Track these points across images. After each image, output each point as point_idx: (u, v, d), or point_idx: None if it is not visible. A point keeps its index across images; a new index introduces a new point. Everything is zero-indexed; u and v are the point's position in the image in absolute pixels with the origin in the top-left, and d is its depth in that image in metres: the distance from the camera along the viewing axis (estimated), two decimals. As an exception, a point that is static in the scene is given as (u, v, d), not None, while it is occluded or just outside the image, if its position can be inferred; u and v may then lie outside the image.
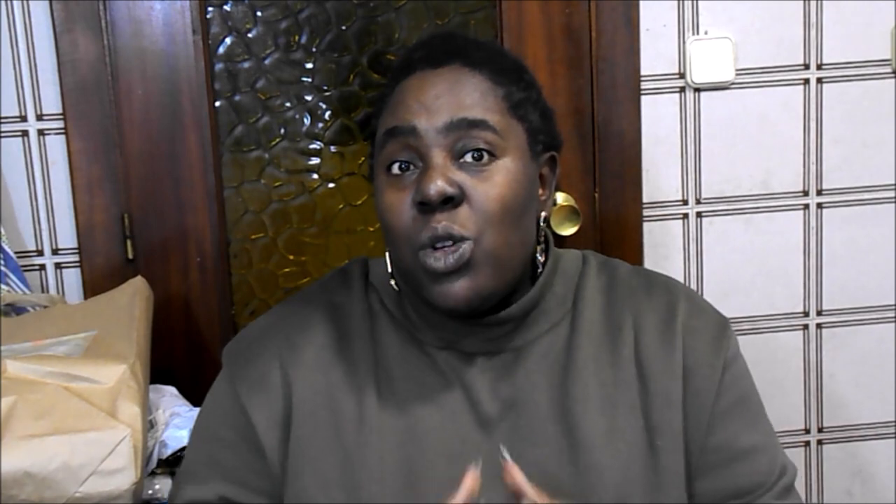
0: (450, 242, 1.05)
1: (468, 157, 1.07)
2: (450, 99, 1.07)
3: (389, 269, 1.17)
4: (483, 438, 1.11)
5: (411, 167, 1.08)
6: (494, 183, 1.07)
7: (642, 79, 1.91)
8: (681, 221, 1.97)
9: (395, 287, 1.17)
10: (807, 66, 1.93)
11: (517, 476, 0.99)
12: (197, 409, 1.52)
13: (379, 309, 1.18)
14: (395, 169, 1.09)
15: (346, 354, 1.15)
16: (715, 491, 1.15)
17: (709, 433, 1.14)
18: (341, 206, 1.95)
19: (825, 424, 2.04)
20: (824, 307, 2.01)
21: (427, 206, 1.05)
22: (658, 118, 1.92)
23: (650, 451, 1.12)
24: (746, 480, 1.15)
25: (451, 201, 1.05)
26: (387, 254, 1.18)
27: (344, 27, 1.91)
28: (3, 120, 1.81)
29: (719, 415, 1.15)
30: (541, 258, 1.15)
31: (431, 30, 1.91)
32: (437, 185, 1.04)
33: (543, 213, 1.16)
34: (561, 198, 1.90)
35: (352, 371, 1.14)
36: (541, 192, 1.15)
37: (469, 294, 1.07)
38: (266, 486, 1.14)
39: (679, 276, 1.97)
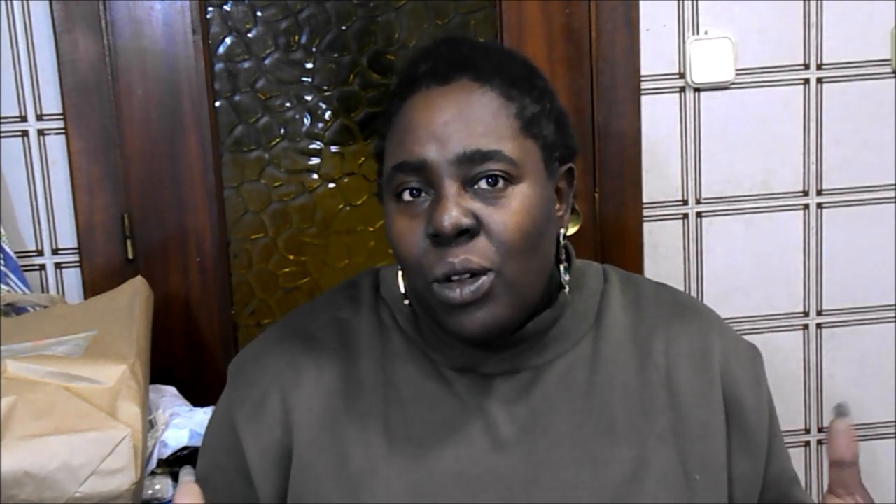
0: (468, 275, 1.00)
1: (483, 184, 1.01)
2: (460, 126, 1.01)
3: (403, 290, 1.12)
4: (498, 463, 1.06)
5: (423, 194, 1.02)
6: (511, 210, 1.01)
7: (642, 79, 1.91)
8: (681, 221, 1.97)
9: (409, 306, 1.12)
10: (807, 66, 1.93)
11: None
12: (197, 409, 1.52)
13: (391, 325, 1.12)
14: (406, 196, 1.03)
15: (352, 375, 1.10)
16: None
17: (768, 467, 1.12)
18: (341, 206, 1.95)
19: (825, 424, 2.04)
20: (824, 307, 2.02)
21: (441, 239, 1.00)
22: (658, 118, 1.92)
23: (685, 484, 1.07)
24: None
25: (466, 233, 1.00)
26: (399, 271, 1.12)
27: (344, 27, 1.91)
28: (3, 120, 1.81)
29: (772, 446, 1.13)
30: (566, 277, 1.10)
31: (431, 30, 1.91)
32: (452, 217, 0.99)
33: (562, 230, 1.10)
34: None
35: (358, 394, 1.09)
36: (557, 206, 1.09)
37: (487, 325, 1.02)
38: None
39: (679, 276, 1.97)
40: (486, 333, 1.03)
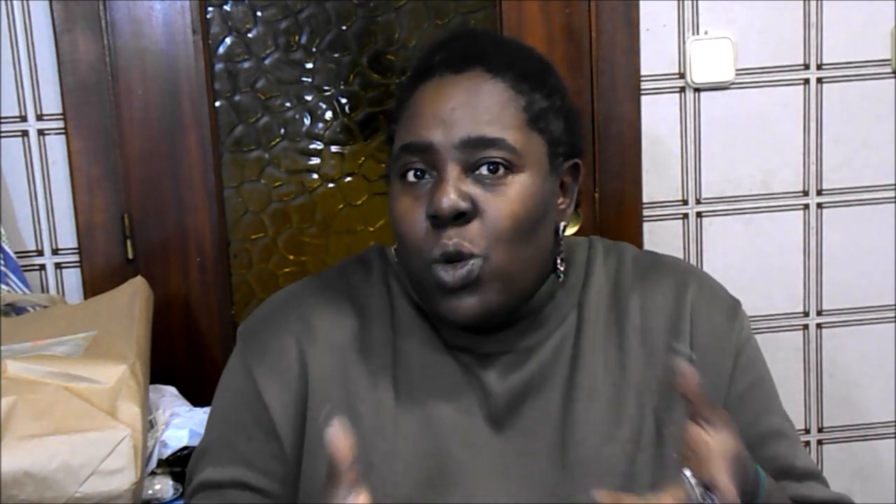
0: (459, 259, 1.04)
1: (483, 170, 1.05)
2: (467, 112, 1.05)
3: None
4: (492, 433, 1.10)
5: (426, 176, 1.06)
6: (508, 199, 1.05)
7: (642, 79, 1.91)
8: (681, 221, 1.97)
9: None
10: (807, 66, 1.93)
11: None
12: (197, 409, 1.52)
13: (399, 293, 1.16)
14: (411, 176, 1.07)
15: (364, 337, 1.14)
16: None
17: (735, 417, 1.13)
18: (341, 206, 1.95)
19: (825, 424, 2.04)
20: (824, 307, 2.01)
21: (439, 220, 1.04)
22: (658, 118, 1.92)
23: (657, 438, 1.11)
24: (768, 466, 1.13)
25: (462, 216, 1.04)
26: (393, 249, 1.16)
27: (344, 27, 1.91)
28: (3, 120, 1.81)
29: (736, 399, 1.14)
30: (561, 268, 1.14)
31: (431, 30, 1.92)
32: (450, 200, 1.03)
33: (563, 223, 1.13)
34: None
35: (369, 353, 1.13)
36: (560, 200, 1.13)
37: (476, 311, 1.06)
38: (279, 470, 1.13)
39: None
40: (476, 319, 1.06)
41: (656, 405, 1.12)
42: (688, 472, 0.91)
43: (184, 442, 1.45)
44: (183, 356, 1.89)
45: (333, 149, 1.94)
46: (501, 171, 1.05)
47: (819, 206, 1.98)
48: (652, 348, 1.13)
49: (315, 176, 1.94)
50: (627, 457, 1.10)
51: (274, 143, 1.93)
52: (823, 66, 1.93)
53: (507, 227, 1.05)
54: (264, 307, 1.19)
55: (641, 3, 1.88)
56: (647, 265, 1.18)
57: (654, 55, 1.91)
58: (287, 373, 1.12)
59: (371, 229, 1.96)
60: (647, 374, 1.12)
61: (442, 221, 1.04)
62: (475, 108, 1.05)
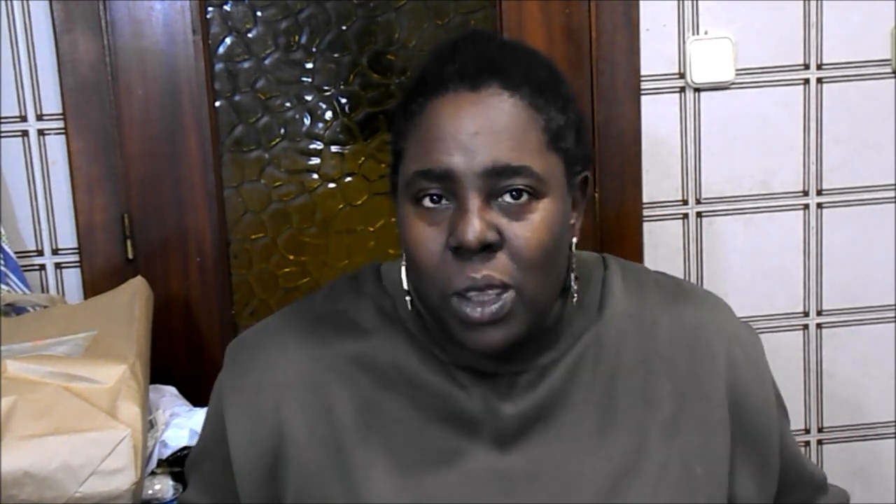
0: (489, 292, 0.99)
1: (507, 198, 0.99)
2: (489, 138, 0.99)
3: (406, 286, 1.08)
4: (501, 457, 1.06)
5: (443, 200, 1.00)
6: (534, 226, 0.99)
7: (642, 79, 1.91)
8: (681, 221, 1.97)
9: (410, 306, 1.09)
10: (807, 66, 1.93)
11: None
12: (197, 409, 1.52)
13: (394, 318, 1.10)
14: (427, 202, 1.00)
15: (349, 368, 1.09)
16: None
17: (782, 452, 1.13)
18: (341, 206, 1.95)
19: (825, 424, 2.04)
20: (824, 307, 2.01)
21: (463, 252, 0.98)
22: (658, 118, 1.92)
23: (685, 476, 1.06)
24: (809, 489, 1.17)
25: (489, 247, 0.98)
26: (403, 268, 1.09)
27: (344, 27, 1.91)
28: (3, 120, 1.81)
29: (782, 429, 1.14)
30: (574, 286, 1.09)
31: (431, 30, 1.92)
32: (477, 232, 0.97)
33: (574, 239, 1.09)
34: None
35: (355, 385, 1.08)
36: (572, 215, 1.07)
37: (503, 342, 1.01)
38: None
39: (679, 277, 1.96)
40: (501, 350, 1.02)
41: (684, 445, 1.07)
42: None
43: (184, 442, 1.45)
44: (183, 356, 1.89)
45: (333, 149, 1.94)
46: (525, 197, 0.99)
47: (819, 206, 1.98)
48: (679, 382, 1.09)
49: (315, 176, 1.94)
50: (649, 495, 1.05)
51: (274, 143, 1.93)
52: (823, 66, 1.93)
53: (535, 257, 0.99)
54: (252, 333, 1.14)
55: (641, 3, 1.88)
56: (670, 291, 1.14)
57: (654, 55, 1.91)
58: (258, 414, 1.08)
59: (371, 229, 1.96)
60: (675, 410, 1.08)
61: (466, 253, 0.98)
62: (497, 133, 0.99)
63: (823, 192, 1.97)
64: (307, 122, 1.93)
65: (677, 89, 1.92)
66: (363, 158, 1.94)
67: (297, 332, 1.11)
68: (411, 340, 1.09)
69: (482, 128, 0.99)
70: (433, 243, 1.00)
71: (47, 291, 1.86)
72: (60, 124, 1.82)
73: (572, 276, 1.08)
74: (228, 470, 1.09)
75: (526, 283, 1.00)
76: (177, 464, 1.45)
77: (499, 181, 0.99)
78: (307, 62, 1.91)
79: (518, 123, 1.00)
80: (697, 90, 1.92)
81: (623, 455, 1.05)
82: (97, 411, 1.26)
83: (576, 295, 1.08)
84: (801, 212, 1.98)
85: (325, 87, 1.92)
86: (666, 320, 1.11)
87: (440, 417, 1.06)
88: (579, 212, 1.09)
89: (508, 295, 0.99)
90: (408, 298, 1.08)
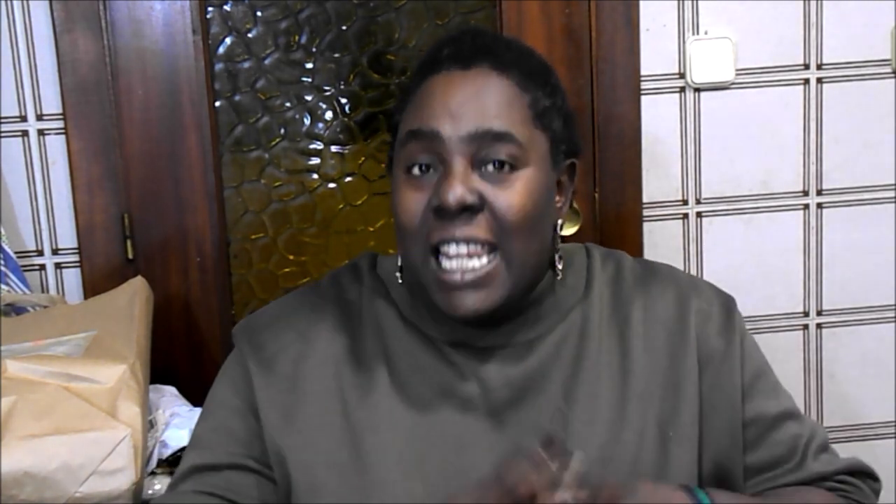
0: (472, 246, 1.05)
1: (489, 167, 1.06)
2: (476, 106, 1.06)
3: (399, 264, 1.16)
4: (492, 426, 1.11)
5: (431, 170, 1.07)
6: (515, 191, 1.06)
7: (642, 79, 1.91)
8: (681, 221, 1.97)
9: (402, 285, 1.16)
10: (807, 66, 1.93)
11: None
12: (197, 409, 1.52)
13: (388, 302, 1.17)
14: (416, 171, 1.08)
15: (356, 349, 1.15)
16: (760, 463, 1.17)
17: (744, 410, 1.16)
18: (341, 206, 1.95)
19: (825, 424, 2.04)
20: (824, 307, 2.01)
21: (445, 213, 1.05)
22: (658, 118, 1.92)
23: (660, 440, 1.13)
24: (783, 448, 1.17)
25: (469, 210, 1.05)
26: (399, 258, 1.16)
27: (344, 27, 1.91)
28: (3, 120, 1.81)
29: (748, 389, 1.17)
30: (559, 266, 1.16)
31: (431, 30, 1.92)
32: (457, 193, 1.04)
33: (559, 221, 1.15)
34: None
35: (362, 365, 1.14)
36: (557, 198, 1.14)
37: (480, 306, 1.07)
38: (268, 459, 1.14)
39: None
40: (478, 315, 1.07)
41: (659, 413, 1.13)
42: None
43: (184, 442, 1.45)
44: (183, 356, 1.89)
45: (333, 149, 1.94)
46: (507, 167, 1.06)
47: (819, 206, 1.98)
48: (655, 357, 1.15)
49: (315, 176, 1.94)
50: (630, 458, 1.11)
51: (274, 143, 1.93)
52: (823, 66, 1.93)
53: (517, 220, 1.06)
54: (263, 315, 1.20)
55: (641, 3, 1.88)
56: (645, 274, 1.20)
57: (654, 55, 1.91)
58: (279, 381, 1.14)
59: (371, 229, 1.96)
60: (650, 381, 1.14)
61: (447, 214, 1.04)
62: (483, 102, 1.06)
63: (823, 192, 1.97)
64: (307, 122, 1.93)
65: (677, 89, 1.92)
66: (363, 158, 1.94)
67: (308, 317, 1.17)
68: (404, 323, 1.15)
69: (468, 97, 1.07)
70: (418, 205, 1.07)
71: (47, 291, 1.86)
72: (60, 124, 1.82)
73: (557, 255, 1.15)
74: (259, 423, 1.13)
75: (508, 243, 1.06)
76: (177, 464, 1.45)
77: (482, 147, 1.06)
78: (307, 62, 1.91)
79: (504, 97, 1.08)
80: (697, 90, 1.92)
81: (605, 423, 1.12)
82: (97, 411, 1.26)
83: (559, 274, 1.15)
84: (801, 212, 1.98)
85: (325, 87, 1.92)
86: (640, 303, 1.17)
87: (433, 393, 1.12)
88: (566, 196, 1.16)
89: (494, 256, 1.06)
90: (398, 274, 1.16)
